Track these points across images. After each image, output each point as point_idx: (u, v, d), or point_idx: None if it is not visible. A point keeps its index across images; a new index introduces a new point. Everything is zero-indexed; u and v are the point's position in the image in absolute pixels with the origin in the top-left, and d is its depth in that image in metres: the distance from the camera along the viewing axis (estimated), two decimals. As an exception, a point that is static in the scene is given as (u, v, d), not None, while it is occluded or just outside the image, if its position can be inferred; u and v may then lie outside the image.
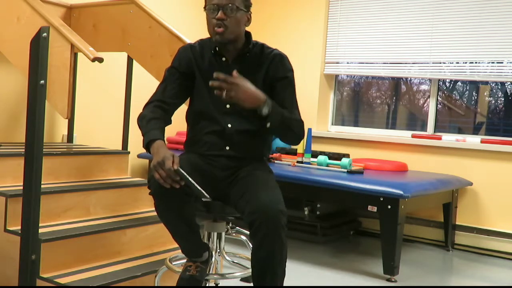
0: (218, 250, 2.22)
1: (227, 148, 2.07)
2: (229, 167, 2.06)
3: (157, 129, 1.96)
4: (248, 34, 2.12)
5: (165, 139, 1.97)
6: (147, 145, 1.93)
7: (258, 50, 2.11)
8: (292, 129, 2.02)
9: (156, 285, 2.27)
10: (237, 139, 2.07)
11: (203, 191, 1.77)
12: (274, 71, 2.09)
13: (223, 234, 2.23)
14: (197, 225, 2.02)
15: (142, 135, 1.98)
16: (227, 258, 2.32)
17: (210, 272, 2.18)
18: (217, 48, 2.08)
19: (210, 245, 2.20)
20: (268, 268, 1.84)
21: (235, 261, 2.41)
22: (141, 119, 2.04)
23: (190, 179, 1.76)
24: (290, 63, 2.14)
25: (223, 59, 2.09)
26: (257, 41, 2.13)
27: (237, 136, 2.07)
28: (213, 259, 2.19)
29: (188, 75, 2.10)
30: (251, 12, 2.09)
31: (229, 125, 2.06)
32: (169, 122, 2.10)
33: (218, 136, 2.07)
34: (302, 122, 2.09)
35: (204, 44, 2.14)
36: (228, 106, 2.07)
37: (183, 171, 1.75)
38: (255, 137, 2.11)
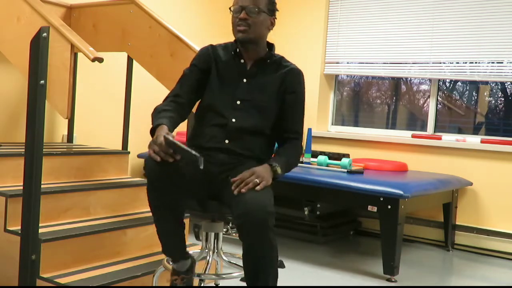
0: (216, 251, 2.22)
1: (226, 141, 2.09)
2: (225, 163, 2.07)
3: (165, 118, 2.00)
4: (271, 45, 2.20)
5: (171, 126, 1.99)
6: (151, 132, 1.97)
7: (277, 60, 2.19)
8: (295, 163, 2.17)
9: (154, 285, 2.27)
10: (238, 135, 2.09)
11: (192, 151, 1.76)
12: (289, 83, 2.16)
13: (221, 234, 2.23)
14: (183, 222, 2.05)
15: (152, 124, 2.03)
16: (224, 258, 2.32)
17: (207, 272, 2.18)
18: (237, 50, 2.15)
19: (207, 245, 2.21)
20: (259, 271, 1.85)
21: (232, 261, 2.41)
22: (154, 110, 2.09)
23: (178, 143, 1.78)
24: (304, 80, 2.22)
25: (242, 61, 2.15)
26: (278, 54, 2.22)
27: (239, 131, 2.09)
28: (211, 259, 2.20)
29: (206, 71, 2.16)
30: (275, 17, 2.16)
31: (233, 120, 2.09)
32: (184, 116, 2.14)
33: (220, 129, 2.10)
34: (301, 140, 2.20)
35: (227, 47, 2.21)
36: (238, 102, 2.11)
37: (169, 137, 1.79)
38: (257, 136, 2.13)
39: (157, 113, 2.05)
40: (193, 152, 1.76)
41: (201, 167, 1.77)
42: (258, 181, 1.86)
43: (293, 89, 2.16)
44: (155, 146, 1.82)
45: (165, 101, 2.15)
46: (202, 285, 2.18)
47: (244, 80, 2.14)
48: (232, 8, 2.10)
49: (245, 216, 1.78)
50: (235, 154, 2.09)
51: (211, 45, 2.22)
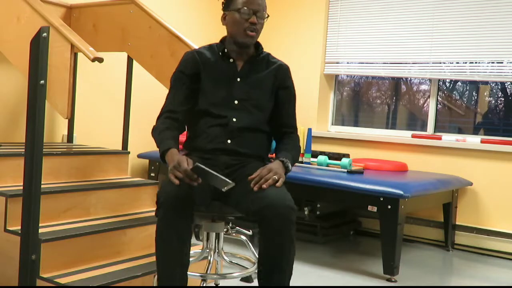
0: (217, 250, 2.22)
1: (229, 141, 2.10)
2: (229, 165, 2.08)
3: (170, 139, 2.02)
4: (257, 43, 2.23)
5: (178, 147, 2.03)
6: (162, 155, 1.98)
7: (265, 57, 2.23)
8: (298, 157, 2.21)
9: (154, 285, 2.27)
10: (239, 134, 2.11)
11: (225, 178, 1.80)
12: (282, 79, 2.22)
13: (221, 234, 2.23)
14: (186, 277, 1.93)
15: (157, 146, 2.05)
16: (225, 258, 2.32)
17: (209, 272, 2.18)
18: (225, 50, 2.16)
19: (208, 245, 2.20)
20: (276, 265, 1.86)
21: (233, 261, 2.41)
22: (154, 131, 2.11)
23: (209, 170, 1.79)
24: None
25: (231, 60, 2.17)
26: (264, 51, 2.26)
27: (240, 130, 2.11)
28: (212, 259, 2.20)
29: (195, 77, 2.15)
30: None
31: (234, 119, 2.11)
32: (183, 129, 2.17)
33: (221, 129, 2.10)
34: (297, 133, 2.27)
35: (212, 48, 2.22)
36: (236, 102, 2.13)
37: (201, 165, 1.79)
38: (256, 133, 2.16)
39: (158, 134, 2.06)
40: (225, 178, 1.79)
41: (224, 190, 1.82)
42: (276, 177, 1.90)
43: (285, 84, 2.23)
44: (178, 173, 1.82)
45: (160, 117, 2.14)
46: (204, 285, 2.18)
47: (238, 79, 2.15)
48: (241, 10, 2.09)
49: (269, 209, 1.80)
50: (237, 154, 2.10)
51: (196, 50, 2.22)
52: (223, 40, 2.23)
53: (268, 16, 2.19)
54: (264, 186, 1.86)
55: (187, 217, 1.87)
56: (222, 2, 2.21)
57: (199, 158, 2.06)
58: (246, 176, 1.99)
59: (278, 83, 2.20)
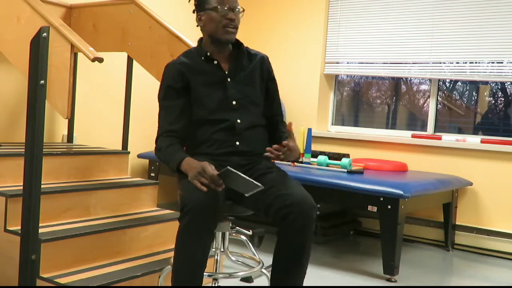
0: (222, 250, 2.22)
1: (237, 143, 2.10)
2: (239, 166, 2.07)
3: (179, 151, 2.02)
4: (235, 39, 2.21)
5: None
6: (177, 168, 1.97)
7: (245, 50, 2.24)
8: None
9: (159, 285, 2.27)
10: (246, 134, 2.11)
11: (254, 181, 1.79)
12: (268, 71, 2.25)
13: (227, 233, 2.23)
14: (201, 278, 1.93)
15: (167, 164, 2.04)
16: (232, 257, 2.32)
17: (213, 271, 2.18)
18: (208, 53, 2.15)
19: (215, 245, 2.20)
20: (297, 261, 1.89)
21: (239, 260, 2.41)
22: (158, 151, 2.09)
23: (241, 174, 1.78)
24: None
25: (215, 62, 2.16)
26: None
27: (246, 130, 2.11)
28: (219, 258, 2.20)
29: (184, 88, 2.13)
30: None
31: (238, 121, 2.11)
32: (184, 144, 2.15)
33: (228, 133, 2.10)
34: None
35: (191, 54, 2.20)
36: (234, 102, 2.12)
37: (232, 169, 1.78)
38: (258, 129, 2.18)
39: (164, 151, 2.04)
40: (255, 182, 1.79)
41: (247, 195, 1.83)
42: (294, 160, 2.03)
43: (270, 75, 2.27)
44: (202, 179, 1.82)
45: (159, 137, 2.11)
46: (216, 284, 2.17)
47: (229, 80, 2.15)
48: (218, 8, 2.08)
49: (293, 206, 1.84)
50: (245, 154, 2.11)
51: (175, 62, 2.17)
52: (199, 43, 2.22)
53: (244, 10, 2.15)
54: (278, 157, 1.95)
55: (212, 223, 1.87)
56: (194, 4, 2.20)
57: (210, 161, 2.03)
58: (261, 175, 2.02)
59: (266, 76, 2.23)
